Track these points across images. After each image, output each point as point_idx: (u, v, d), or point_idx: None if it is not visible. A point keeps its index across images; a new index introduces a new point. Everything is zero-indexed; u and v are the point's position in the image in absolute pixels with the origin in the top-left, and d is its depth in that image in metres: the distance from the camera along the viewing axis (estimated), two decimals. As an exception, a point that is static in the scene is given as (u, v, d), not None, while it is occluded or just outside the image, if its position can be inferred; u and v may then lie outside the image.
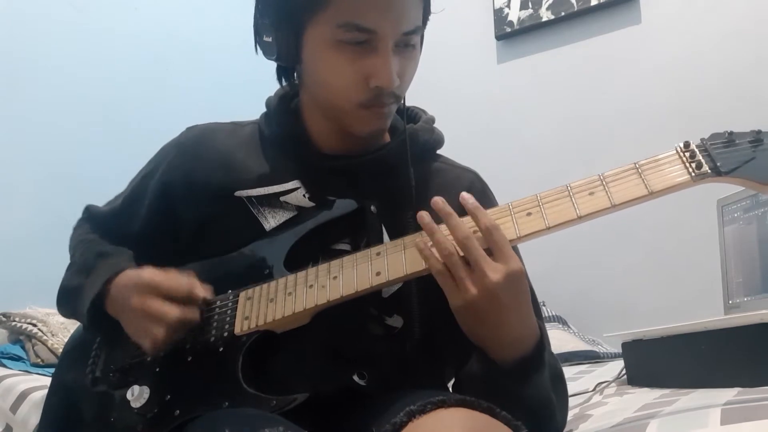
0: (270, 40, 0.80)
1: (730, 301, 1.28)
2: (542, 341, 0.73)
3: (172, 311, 0.76)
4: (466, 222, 0.70)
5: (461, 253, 0.68)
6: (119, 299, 0.81)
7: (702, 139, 0.67)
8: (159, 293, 0.77)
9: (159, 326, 0.76)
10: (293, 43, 0.79)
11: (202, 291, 0.79)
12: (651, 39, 2.29)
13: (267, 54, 0.82)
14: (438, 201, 0.71)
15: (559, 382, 0.76)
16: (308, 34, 0.77)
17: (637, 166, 0.68)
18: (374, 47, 0.75)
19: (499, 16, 2.60)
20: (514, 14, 2.57)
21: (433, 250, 0.69)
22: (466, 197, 0.71)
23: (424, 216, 0.70)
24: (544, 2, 2.49)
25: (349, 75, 0.76)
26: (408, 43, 0.78)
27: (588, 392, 1.13)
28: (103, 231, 0.96)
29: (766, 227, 1.21)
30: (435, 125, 0.92)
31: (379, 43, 0.75)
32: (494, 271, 0.66)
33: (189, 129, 0.93)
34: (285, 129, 0.87)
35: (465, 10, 2.70)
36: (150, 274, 0.79)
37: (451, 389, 0.81)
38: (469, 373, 0.73)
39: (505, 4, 2.59)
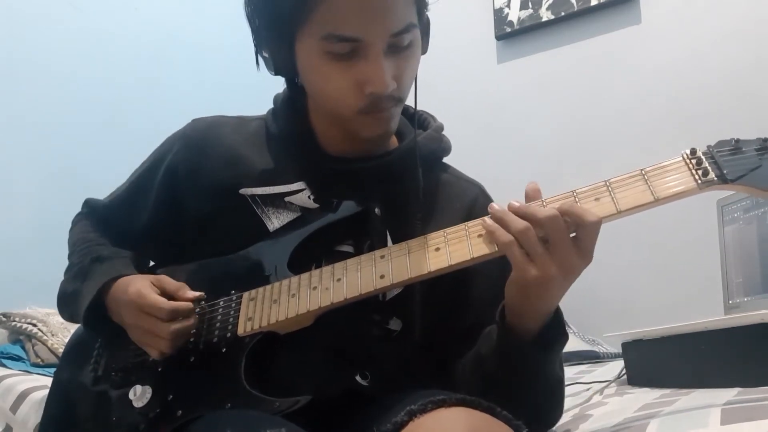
0: (268, 55, 0.81)
1: (730, 301, 1.29)
2: (560, 319, 0.74)
3: (165, 327, 0.76)
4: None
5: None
6: (116, 310, 0.82)
7: (708, 146, 0.67)
8: (145, 311, 0.77)
9: (158, 340, 0.77)
10: (287, 57, 0.79)
11: (189, 296, 0.79)
12: (651, 39, 2.28)
13: (268, 68, 0.82)
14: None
15: (563, 369, 0.78)
16: (298, 48, 0.77)
17: (643, 172, 0.67)
18: (364, 54, 0.74)
19: (499, 16, 2.60)
20: (514, 14, 2.57)
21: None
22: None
23: (493, 205, 0.70)
24: (544, 2, 2.49)
25: (343, 84, 0.75)
26: (401, 44, 0.75)
27: (588, 392, 1.13)
28: (104, 225, 0.95)
29: (766, 227, 1.21)
30: (444, 133, 0.92)
31: (367, 49, 0.73)
32: (580, 257, 0.66)
33: (195, 121, 0.92)
34: (291, 128, 0.87)
35: (465, 10, 2.70)
36: (135, 289, 0.79)
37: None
38: (483, 352, 0.74)
39: (505, 4, 2.59)
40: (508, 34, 2.58)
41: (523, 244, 0.65)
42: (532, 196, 0.69)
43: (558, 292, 0.68)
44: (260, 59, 0.83)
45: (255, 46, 0.82)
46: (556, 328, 0.72)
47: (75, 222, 0.99)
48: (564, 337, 0.73)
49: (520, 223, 0.66)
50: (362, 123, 0.79)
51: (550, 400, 0.77)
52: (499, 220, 0.68)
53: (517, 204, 0.68)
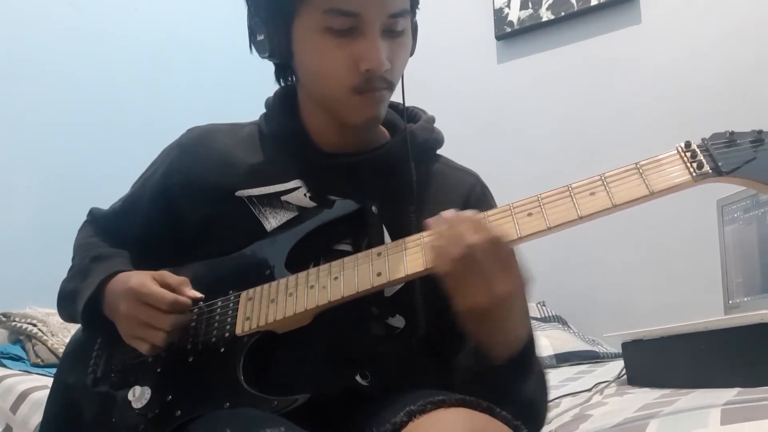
0: (262, 38, 0.81)
1: (730, 301, 1.29)
2: (533, 342, 0.74)
3: (164, 317, 0.76)
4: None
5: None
6: (112, 304, 0.82)
7: (703, 139, 0.67)
8: (146, 302, 0.77)
9: (155, 331, 0.77)
10: (283, 36, 0.80)
11: (191, 293, 0.79)
12: (651, 39, 2.29)
13: (260, 52, 0.83)
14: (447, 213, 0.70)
15: (544, 383, 0.78)
16: (296, 25, 0.79)
17: (638, 166, 0.68)
18: (362, 32, 0.76)
19: (499, 16, 2.60)
20: (514, 14, 2.57)
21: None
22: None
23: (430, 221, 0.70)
24: (544, 2, 2.49)
25: (339, 60, 0.77)
26: (396, 28, 0.78)
27: (588, 392, 1.13)
28: (105, 233, 0.96)
29: (766, 227, 1.21)
30: (435, 125, 0.93)
31: (365, 26, 0.76)
32: (474, 231, 0.66)
33: (190, 130, 0.93)
34: (284, 127, 0.88)
35: (465, 10, 2.70)
36: (137, 281, 0.79)
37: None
38: (461, 365, 0.74)
39: (505, 4, 2.59)
40: (508, 34, 2.59)
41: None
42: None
43: (497, 315, 0.68)
44: (253, 45, 0.84)
45: (249, 29, 0.84)
46: (520, 364, 0.71)
47: (80, 230, 1.00)
48: (533, 368, 0.72)
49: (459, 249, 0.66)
50: (353, 105, 0.80)
51: (525, 419, 0.73)
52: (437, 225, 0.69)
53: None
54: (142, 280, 0.79)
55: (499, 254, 0.66)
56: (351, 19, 0.75)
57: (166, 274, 0.80)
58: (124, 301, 0.78)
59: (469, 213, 0.69)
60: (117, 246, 0.93)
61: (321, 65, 0.79)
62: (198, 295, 0.80)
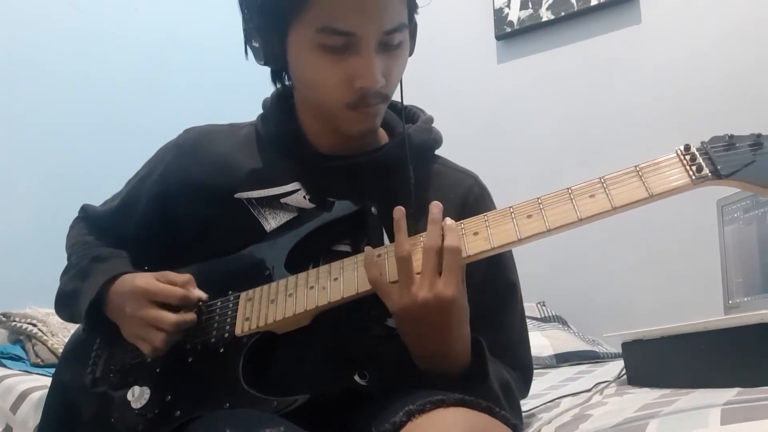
0: (257, 45, 0.81)
1: (730, 301, 1.28)
2: (482, 359, 0.74)
3: (168, 317, 0.76)
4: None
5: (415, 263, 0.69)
6: (116, 305, 0.82)
7: (702, 142, 0.68)
8: (154, 300, 0.78)
9: (156, 332, 0.77)
10: (278, 47, 0.80)
11: (197, 292, 0.80)
12: (651, 39, 2.28)
13: (257, 58, 0.83)
14: (434, 206, 0.72)
15: (509, 393, 0.79)
16: (291, 38, 0.78)
17: (638, 168, 0.68)
18: (356, 49, 0.75)
19: (499, 16, 2.60)
20: (514, 14, 2.56)
21: (378, 260, 0.71)
22: (446, 220, 0.72)
23: (397, 211, 0.72)
24: (544, 2, 2.49)
25: (333, 77, 0.77)
26: (391, 43, 0.77)
27: (588, 392, 1.13)
28: (100, 231, 0.96)
29: (766, 227, 1.21)
30: (434, 125, 0.92)
31: (360, 44, 0.75)
32: (429, 289, 0.68)
33: (187, 131, 0.93)
34: (281, 129, 0.88)
35: (465, 10, 2.70)
36: (143, 281, 0.79)
37: None
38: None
39: (505, 4, 2.59)
40: (508, 34, 2.58)
41: (399, 272, 0.69)
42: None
43: (426, 329, 0.70)
44: (249, 49, 0.83)
45: (245, 34, 0.83)
46: (472, 375, 0.72)
47: (72, 226, 1.00)
48: (486, 380, 0.73)
49: (402, 250, 0.69)
50: (348, 118, 0.80)
51: None
52: (396, 232, 0.71)
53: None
54: (149, 279, 0.79)
55: (447, 314, 0.69)
56: (345, 37, 0.74)
57: (170, 273, 0.81)
58: (130, 302, 0.79)
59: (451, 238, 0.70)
60: (112, 245, 0.93)
61: (315, 80, 0.79)
62: (203, 295, 0.80)
